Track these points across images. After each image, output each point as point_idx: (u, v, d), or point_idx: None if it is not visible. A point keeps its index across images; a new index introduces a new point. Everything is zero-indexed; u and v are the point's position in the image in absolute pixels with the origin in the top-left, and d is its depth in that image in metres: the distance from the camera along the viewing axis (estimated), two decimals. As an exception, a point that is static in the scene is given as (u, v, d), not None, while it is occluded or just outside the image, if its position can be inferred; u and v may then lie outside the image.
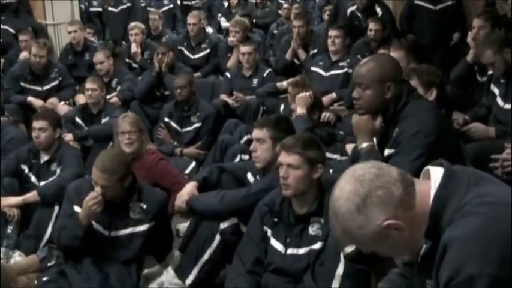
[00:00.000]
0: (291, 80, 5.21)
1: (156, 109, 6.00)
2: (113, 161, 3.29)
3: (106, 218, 3.37)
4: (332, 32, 5.79)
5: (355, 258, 2.68)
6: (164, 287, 3.43)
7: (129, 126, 4.07)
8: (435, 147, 2.68)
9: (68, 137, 5.09)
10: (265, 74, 5.98)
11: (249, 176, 3.55)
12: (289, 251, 2.95)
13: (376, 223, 1.53)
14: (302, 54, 6.41)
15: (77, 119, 5.51)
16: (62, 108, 6.13)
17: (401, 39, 5.97)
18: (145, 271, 3.64)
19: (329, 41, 5.78)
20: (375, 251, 1.62)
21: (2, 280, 3.13)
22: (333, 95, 5.59)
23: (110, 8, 8.86)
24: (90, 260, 3.35)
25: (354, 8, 6.76)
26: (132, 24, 7.24)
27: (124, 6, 8.78)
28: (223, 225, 3.29)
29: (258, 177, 3.49)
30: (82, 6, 8.86)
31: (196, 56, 7.05)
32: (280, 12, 9.60)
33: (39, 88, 6.33)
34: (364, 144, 2.88)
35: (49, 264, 3.68)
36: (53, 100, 6.24)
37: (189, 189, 3.51)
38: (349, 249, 2.68)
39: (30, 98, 6.18)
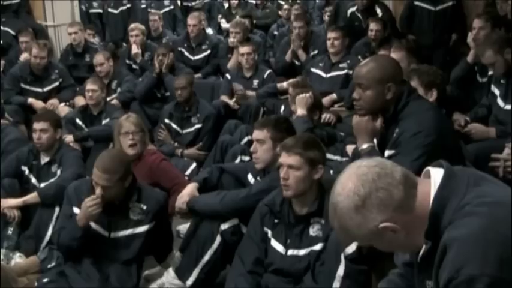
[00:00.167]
0: (291, 80, 5.22)
1: (157, 110, 6.00)
2: (114, 161, 3.29)
3: (106, 219, 3.37)
4: (331, 34, 5.78)
5: (356, 259, 2.68)
6: (165, 288, 3.44)
7: (133, 127, 4.07)
8: (435, 148, 2.67)
9: (69, 138, 5.09)
10: (265, 75, 5.98)
11: (250, 176, 3.55)
12: (290, 251, 2.95)
13: (373, 224, 1.54)
14: (302, 55, 6.41)
15: (77, 120, 5.50)
16: (62, 109, 6.14)
17: (401, 40, 5.97)
18: (146, 272, 3.65)
19: (328, 42, 5.78)
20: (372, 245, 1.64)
21: (2, 281, 3.14)
22: (333, 95, 5.59)
23: (109, 9, 8.87)
24: (90, 261, 3.35)
25: (354, 8, 6.76)
26: (133, 25, 7.24)
27: (124, 8, 8.79)
28: (223, 226, 3.29)
29: (258, 178, 3.49)
30: (83, 7, 8.87)
31: (197, 57, 7.05)
32: (280, 13, 9.59)
33: (39, 89, 6.33)
34: (365, 145, 2.88)
35: (49, 266, 3.68)
36: (53, 101, 6.25)
37: (189, 190, 3.51)
38: (350, 249, 2.69)
39: (30, 100, 6.18)
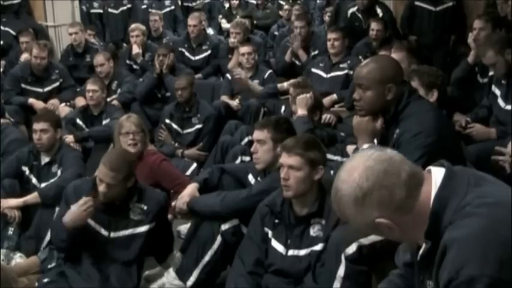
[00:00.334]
0: (292, 81, 5.21)
1: (157, 110, 6.00)
2: (121, 159, 3.32)
3: (106, 218, 3.38)
4: (331, 35, 5.78)
5: (356, 260, 2.68)
6: (165, 288, 3.43)
7: (134, 127, 4.08)
8: (436, 149, 2.67)
9: (69, 138, 5.08)
10: (265, 75, 5.98)
11: (250, 177, 3.55)
12: (290, 252, 2.95)
13: (369, 218, 1.55)
14: (303, 56, 6.41)
15: (78, 121, 5.50)
16: (63, 109, 6.14)
17: (402, 40, 5.97)
18: (146, 272, 3.65)
19: (328, 43, 5.78)
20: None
21: (3, 281, 3.14)
22: (334, 96, 5.58)
23: (110, 10, 8.87)
24: (90, 261, 3.35)
25: (354, 9, 6.76)
26: (133, 25, 7.24)
27: (124, 8, 8.79)
28: (224, 227, 3.29)
29: (258, 178, 3.49)
30: (84, 7, 8.86)
31: (197, 57, 7.05)
32: (281, 13, 9.59)
33: (39, 89, 6.33)
34: (365, 146, 2.87)
35: (50, 266, 3.67)
36: (53, 101, 6.25)
37: (189, 190, 3.51)
38: (350, 250, 2.68)
39: (31, 100, 6.18)
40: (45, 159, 4.29)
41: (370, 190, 1.53)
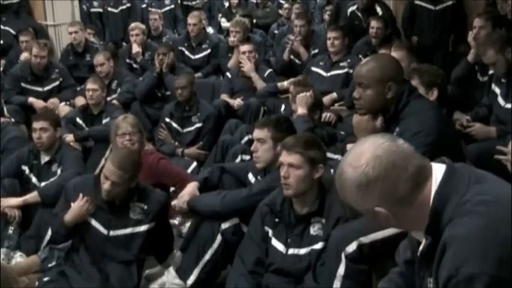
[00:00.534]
0: (292, 79, 5.21)
1: (157, 109, 6.01)
2: (129, 159, 3.35)
3: (106, 217, 3.39)
4: (331, 34, 5.78)
5: (356, 258, 2.68)
6: (165, 288, 3.43)
7: (130, 127, 4.07)
8: (436, 147, 2.67)
9: (69, 137, 5.08)
10: (266, 74, 5.98)
11: (250, 176, 3.55)
12: (290, 251, 2.95)
13: (369, 205, 1.56)
14: (304, 54, 6.41)
15: (78, 120, 5.50)
16: (63, 109, 6.14)
17: (402, 40, 5.97)
18: (147, 271, 3.65)
19: (328, 42, 5.78)
20: None
21: (3, 281, 3.13)
22: (334, 95, 5.58)
23: (110, 9, 8.86)
24: (90, 261, 3.36)
25: (354, 7, 6.76)
26: (133, 24, 7.23)
27: (124, 7, 8.79)
28: (224, 226, 3.29)
29: (259, 177, 3.49)
30: (84, 7, 8.86)
31: (197, 56, 7.05)
32: (281, 12, 9.58)
33: (39, 89, 6.33)
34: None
35: (50, 265, 3.67)
36: (54, 101, 6.24)
37: (190, 189, 3.51)
38: (350, 249, 2.69)
39: (31, 99, 6.18)
40: (45, 159, 4.29)
41: (375, 179, 1.53)
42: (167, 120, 5.59)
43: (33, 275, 3.62)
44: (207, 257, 3.32)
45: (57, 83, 6.42)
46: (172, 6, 9.02)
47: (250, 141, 4.00)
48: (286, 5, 9.40)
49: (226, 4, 10.46)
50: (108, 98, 5.82)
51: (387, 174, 1.53)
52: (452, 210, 1.51)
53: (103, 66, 6.12)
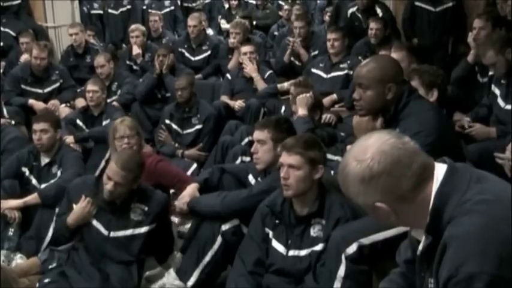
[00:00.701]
0: (293, 80, 5.21)
1: (157, 111, 6.00)
2: (133, 160, 3.35)
3: (107, 217, 3.39)
4: (331, 35, 5.78)
5: (357, 259, 2.68)
6: (165, 288, 3.43)
7: (128, 130, 4.04)
8: (436, 148, 2.65)
9: (69, 139, 5.08)
10: (266, 76, 5.97)
11: (250, 177, 3.55)
12: (291, 252, 2.95)
13: (370, 200, 1.56)
14: (304, 55, 6.42)
15: (78, 121, 5.50)
16: (63, 110, 6.14)
17: (402, 40, 5.97)
18: (147, 273, 3.65)
19: (328, 43, 5.78)
20: None
21: (3, 282, 3.13)
22: (334, 96, 5.58)
23: (110, 10, 8.87)
24: (90, 261, 3.36)
25: (354, 9, 6.77)
26: (133, 26, 7.24)
27: (124, 9, 8.80)
28: (224, 227, 3.29)
29: (259, 178, 3.49)
30: (85, 8, 8.87)
31: (197, 57, 7.05)
32: (280, 13, 9.59)
33: (40, 90, 6.34)
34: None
35: (50, 266, 3.67)
36: (54, 102, 6.24)
37: (190, 190, 3.51)
38: (351, 250, 2.68)
39: (31, 101, 6.18)
40: (45, 160, 4.29)
41: (378, 175, 1.53)
42: (167, 121, 5.59)
43: (33, 277, 3.61)
44: (207, 258, 3.32)
45: (57, 84, 6.43)
46: (173, 7, 9.03)
47: (251, 143, 4.01)
48: (286, 6, 9.40)
49: (226, 5, 10.46)
50: (109, 100, 5.82)
51: (391, 170, 1.53)
52: (452, 209, 1.52)
53: (103, 67, 6.12)
